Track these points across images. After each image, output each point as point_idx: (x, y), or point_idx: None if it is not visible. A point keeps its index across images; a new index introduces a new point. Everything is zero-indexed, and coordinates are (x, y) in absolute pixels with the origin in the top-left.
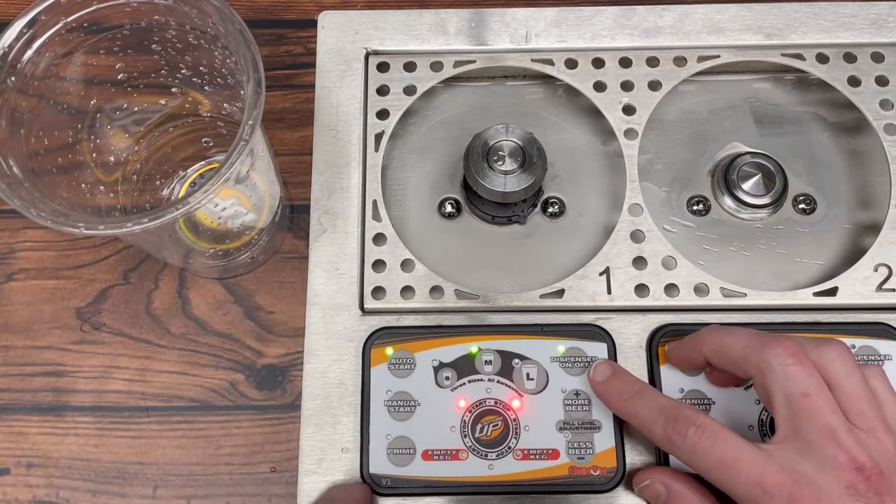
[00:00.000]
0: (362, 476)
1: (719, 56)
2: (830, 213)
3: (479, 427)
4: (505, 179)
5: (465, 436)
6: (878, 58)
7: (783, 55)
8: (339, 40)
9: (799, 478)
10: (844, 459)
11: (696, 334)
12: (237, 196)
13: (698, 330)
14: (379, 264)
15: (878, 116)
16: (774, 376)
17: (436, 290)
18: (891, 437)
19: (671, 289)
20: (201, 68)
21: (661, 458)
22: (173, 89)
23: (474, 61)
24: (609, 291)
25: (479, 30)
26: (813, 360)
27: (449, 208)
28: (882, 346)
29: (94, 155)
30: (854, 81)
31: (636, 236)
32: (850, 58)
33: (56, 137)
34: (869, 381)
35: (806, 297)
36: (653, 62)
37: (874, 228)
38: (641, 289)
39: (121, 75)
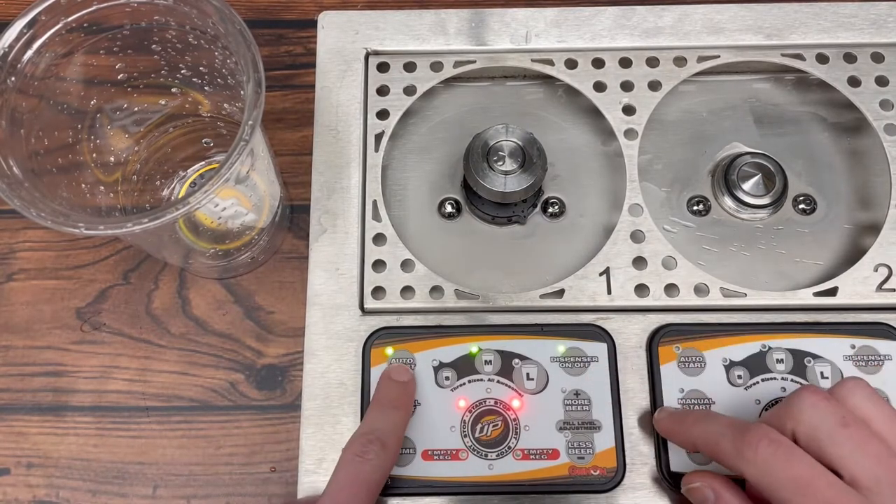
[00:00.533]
0: None
1: (719, 56)
2: (830, 213)
3: (479, 427)
4: (505, 179)
5: (465, 436)
6: (878, 58)
7: (783, 55)
8: (339, 40)
9: None
10: None
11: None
12: (237, 196)
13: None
14: (379, 264)
15: (878, 116)
16: (806, 419)
17: (436, 290)
18: None
19: (671, 289)
20: (201, 68)
21: (660, 459)
22: (173, 89)
23: (474, 61)
24: (609, 291)
25: (479, 30)
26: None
27: (449, 208)
28: (882, 346)
29: (94, 155)
30: (854, 81)
31: (636, 236)
32: (850, 58)
33: (56, 137)
34: (856, 397)
35: (806, 297)
36: (653, 62)
37: (874, 228)
38: (641, 289)
39: (121, 75)
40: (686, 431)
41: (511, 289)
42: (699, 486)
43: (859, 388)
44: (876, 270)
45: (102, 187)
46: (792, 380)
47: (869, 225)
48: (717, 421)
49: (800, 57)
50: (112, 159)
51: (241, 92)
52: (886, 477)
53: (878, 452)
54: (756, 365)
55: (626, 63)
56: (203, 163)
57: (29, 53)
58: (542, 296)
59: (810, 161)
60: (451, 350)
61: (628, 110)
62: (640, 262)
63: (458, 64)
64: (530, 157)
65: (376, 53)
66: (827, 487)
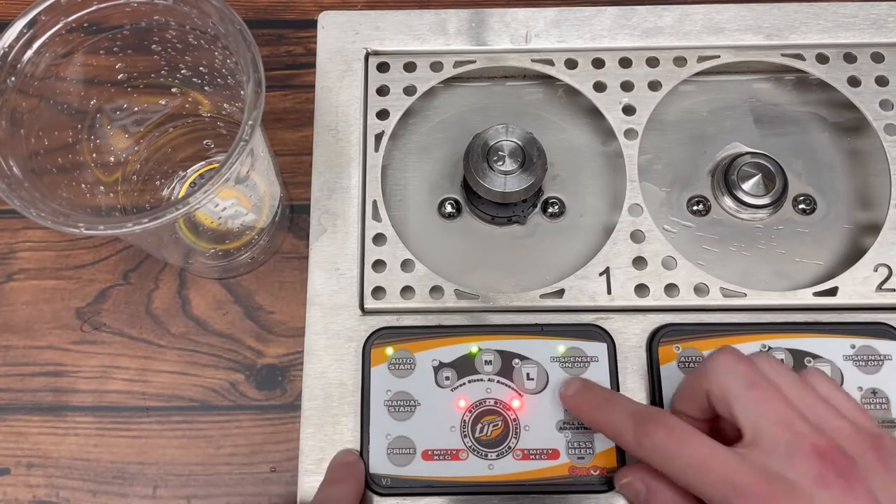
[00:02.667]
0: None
1: (719, 56)
2: (830, 213)
3: (479, 427)
4: (505, 179)
5: (465, 436)
6: (878, 58)
7: (783, 55)
8: (339, 40)
9: (770, 476)
10: (808, 448)
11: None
12: (237, 196)
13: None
14: (379, 264)
15: (878, 116)
16: (718, 379)
17: (436, 290)
18: (845, 422)
19: (671, 289)
20: (201, 68)
21: None
22: (173, 89)
23: (474, 61)
24: (609, 291)
25: (479, 30)
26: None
27: (449, 208)
28: (882, 346)
29: (94, 155)
30: (854, 81)
31: (636, 236)
32: (850, 58)
33: (56, 137)
34: (812, 382)
35: (806, 297)
36: (653, 62)
37: (874, 228)
38: (641, 289)
39: (121, 75)
40: (595, 416)
41: (511, 289)
42: (630, 480)
43: (772, 364)
44: (876, 270)
45: (102, 187)
46: None
47: (869, 225)
48: (618, 409)
49: (800, 57)
50: (112, 159)
51: (241, 92)
52: (785, 438)
53: (781, 415)
54: None
55: (626, 63)
56: (203, 163)
57: (29, 53)
58: (542, 296)
59: (810, 161)
60: (451, 350)
61: (628, 110)
62: (640, 262)
63: (458, 64)
64: (530, 157)
65: (376, 53)
66: (721, 464)
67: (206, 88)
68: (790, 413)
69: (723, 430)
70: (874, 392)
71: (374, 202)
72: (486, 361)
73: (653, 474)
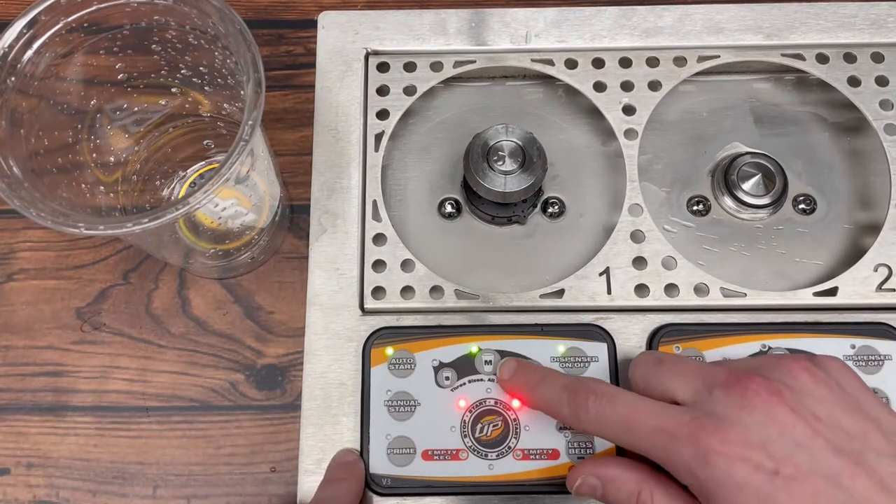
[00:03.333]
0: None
1: (719, 56)
2: (830, 213)
3: (479, 427)
4: (505, 179)
5: (465, 436)
6: (878, 58)
7: (783, 55)
8: (339, 40)
9: (698, 415)
10: (724, 380)
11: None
12: (237, 196)
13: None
14: (379, 264)
15: (878, 116)
16: (634, 376)
17: (436, 290)
18: (763, 360)
19: (671, 289)
20: (201, 68)
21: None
22: (173, 89)
23: (474, 61)
24: (609, 291)
25: (479, 30)
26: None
27: (449, 208)
28: (882, 346)
29: (94, 155)
30: (854, 81)
31: (636, 236)
32: (850, 58)
33: (56, 137)
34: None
35: (806, 297)
36: (653, 62)
37: (874, 228)
38: (641, 289)
39: (121, 75)
40: (531, 396)
41: (511, 289)
42: (582, 480)
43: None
44: (876, 270)
45: (102, 187)
46: None
47: (869, 225)
48: (553, 385)
49: (800, 57)
50: (112, 159)
51: (241, 92)
52: (703, 384)
53: (691, 370)
54: None
55: (626, 63)
56: (203, 163)
57: (29, 53)
58: (542, 296)
59: (810, 161)
60: (451, 350)
61: (628, 110)
62: (640, 262)
63: (458, 64)
64: (530, 157)
65: (376, 53)
66: (650, 416)
67: (206, 88)
68: (702, 367)
69: None
70: (874, 392)
71: (374, 202)
72: (486, 361)
73: (601, 464)
